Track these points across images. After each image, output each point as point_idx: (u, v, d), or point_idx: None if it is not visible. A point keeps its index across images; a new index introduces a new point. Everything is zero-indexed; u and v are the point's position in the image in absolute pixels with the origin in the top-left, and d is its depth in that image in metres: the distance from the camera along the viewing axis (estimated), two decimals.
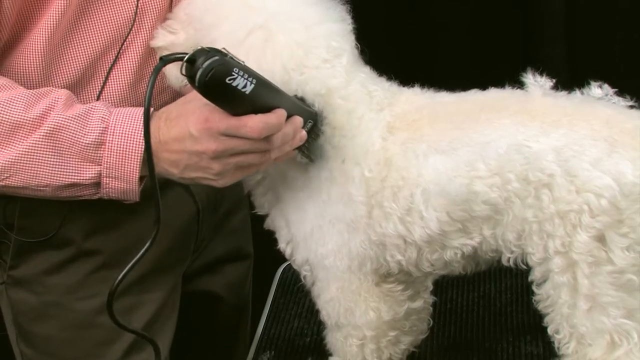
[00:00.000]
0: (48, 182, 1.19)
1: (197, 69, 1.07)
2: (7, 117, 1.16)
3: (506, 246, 1.19)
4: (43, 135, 1.17)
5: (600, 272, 1.13)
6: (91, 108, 1.19)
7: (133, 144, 1.18)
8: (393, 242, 1.22)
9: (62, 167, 1.18)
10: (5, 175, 1.18)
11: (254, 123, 1.11)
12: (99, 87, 1.27)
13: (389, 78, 1.27)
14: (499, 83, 1.23)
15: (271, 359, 1.52)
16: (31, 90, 1.19)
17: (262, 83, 1.11)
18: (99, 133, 1.18)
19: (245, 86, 1.09)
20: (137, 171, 1.19)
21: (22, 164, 1.17)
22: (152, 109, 1.18)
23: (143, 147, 1.16)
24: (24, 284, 1.37)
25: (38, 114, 1.17)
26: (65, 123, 1.17)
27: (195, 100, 1.14)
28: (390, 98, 1.24)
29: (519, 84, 1.19)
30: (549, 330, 1.20)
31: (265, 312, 1.64)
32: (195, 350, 1.62)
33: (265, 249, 1.44)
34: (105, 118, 1.19)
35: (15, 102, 1.17)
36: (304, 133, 1.17)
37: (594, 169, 1.11)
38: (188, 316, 1.53)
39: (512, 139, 1.14)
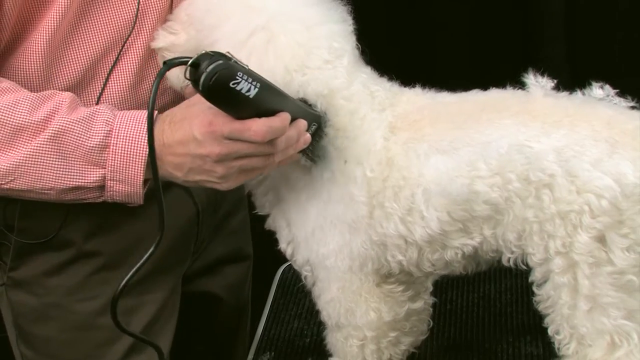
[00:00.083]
0: (52, 185, 1.19)
1: (201, 73, 1.06)
2: (11, 120, 1.16)
3: (507, 246, 1.19)
4: (47, 138, 1.17)
5: (601, 272, 1.13)
6: (95, 111, 1.19)
7: (137, 147, 1.18)
8: (394, 242, 1.22)
9: (67, 170, 1.18)
10: (10, 178, 1.18)
11: (257, 127, 1.11)
12: (99, 88, 1.27)
13: (390, 78, 1.27)
14: (499, 83, 1.23)
15: (271, 359, 1.52)
16: (35, 93, 1.19)
17: (266, 87, 1.11)
18: (103, 136, 1.18)
19: (249, 90, 1.09)
20: (141, 174, 1.19)
21: (26, 167, 1.17)
22: (156, 112, 1.18)
23: (147, 150, 1.16)
24: (24, 286, 1.37)
25: (42, 117, 1.17)
26: (70, 126, 1.17)
27: (199, 104, 1.14)
28: (392, 98, 1.24)
29: (520, 84, 1.19)
30: (550, 331, 1.20)
31: (265, 312, 1.64)
32: (195, 351, 1.62)
33: (265, 250, 1.44)
34: (109, 121, 1.19)
35: (19, 105, 1.17)
36: (308, 136, 1.17)
37: (594, 170, 1.11)
38: (188, 317, 1.53)
39: (513, 139, 1.14)
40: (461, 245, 1.21)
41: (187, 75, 1.08)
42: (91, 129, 1.18)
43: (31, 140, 1.17)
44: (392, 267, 1.25)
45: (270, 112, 1.13)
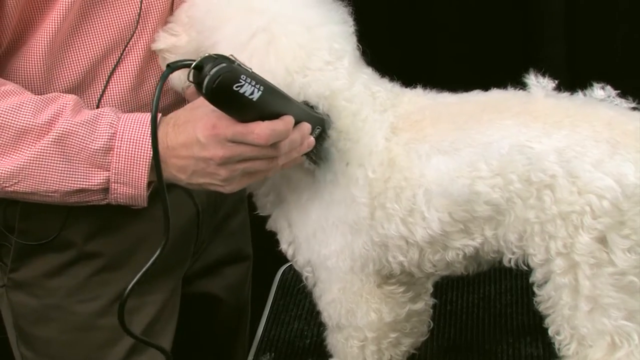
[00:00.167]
0: (57, 188, 1.19)
1: (205, 76, 1.06)
2: (15, 122, 1.16)
3: (508, 247, 1.19)
4: (51, 141, 1.17)
5: (602, 273, 1.13)
6: (99, 114, 1.19)
7: (141, 149, 1.18)
8: (395, 243, 1.22)
9: (71, 172, 1.18)
10: (14, 181, 1.18)
11: (260, 130, 1.11)
12: (100, 90, 1.27)
13: (392, 79, 1.27)
14: (499, 83, 1.23)
15: None
16: (39, 96, 1.19)
17: (269, 90, 1.11)
18: (108, 139, 1.18)
19: (252, 93, 1.09)
20: (145, 177, 1.19)
21: (30, 170, 1.17)
22: (160, 115, 1.18)
23: (151, 153, 1.16)
24: (24, 287, 1.37)
25: (46, 120, 1.17)
26: (74, 129, 1.17)
27: (203, 107, 1.14)
28: (393, 99, 1.24)
29: (521, 85, 1.20)
30: (550, 332, 1.20)
31: (265, 313, 1.64)
32: (195, 352, 1.62)
33: (265, 251, 1.44)
34: (113, 124, 1.19)
35: (23, 107, 1.17)
36: (312, 139, 1.17)
37: (595, 171, 1.11)
38: (188, 318, 1.53)
39: (515, 140, 1.14)
40: (462, 246, 1.21)
41: (191, 78, 1.08)
42: (95, 132, 1.18)
43: (35, 143, 1.17)
44: (394, 268, 1.25)
45: (274, 115, 1.12)
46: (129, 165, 1.18)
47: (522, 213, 1.15)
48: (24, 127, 1.16)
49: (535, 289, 1.19)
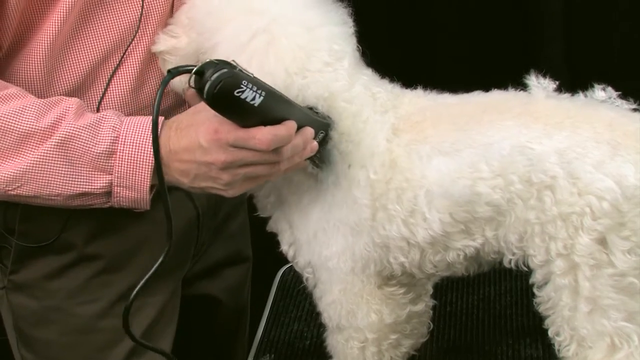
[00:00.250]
0: (59, 192, 1.19)
1: (206, 81, 1.06)
2: (19, 126, 1.16)
3: (508, 248, 1.19)
4: (54, 145, 1.17)
5: (602, 274, 1.13)
6: (102, 117, 1.19)
7: (143, 153, 1.18)
8: (396, 244, 1.22)
9: (74, 176, 1.18)
10: (17, 184, 1.17)
11: (262, 135, 1.11)
12: (100, 92, 1.27)
13: (392, 80, 1.27)
14: (499, 83, 1.23)
15: None
16: (42, 100, 1.19)
17: (271, 95, 1.10)
18: (110, 142, 1.18)
19: (254, 99, 1.08)
20: (148, 180, 1.19)
21: (33, 174, 1.17)
22: (162, 119, 1.18)
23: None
24: (24, 289, 1.37)
25: (49, 124, 1.17)
26: (77, 132, 1.17)
27: (205, 111, 1.14)
28: (394, 100, 1.24)
29: (522, 86, 1.20)
30: (550, 333, 1.20)
31: (265, 315, 1.64)
32: (195, 353, 1.61)
33: (265, 252, 1.44)
34: (116, 127, 1.19)
35: (26, 111, 1.16)
36: (315, 144, 1.17)
37: (596, 172, 1.11)
38: (187, 320, 1.52)
39: (515, 141, 1.14)
40: (463, 247, 1.21)
41: (192, 84, 1.08)
42: (98, 135, 1.18)
43: (38, 147, 1.16)
44: (395, 269, 1.25)
45: (277, 120, 1.12)
46: (131, 169, 1.18)
47: (522, 214, 1.15)
48: (27, 131, 1.16)
49: (535, 290, 1.19)
